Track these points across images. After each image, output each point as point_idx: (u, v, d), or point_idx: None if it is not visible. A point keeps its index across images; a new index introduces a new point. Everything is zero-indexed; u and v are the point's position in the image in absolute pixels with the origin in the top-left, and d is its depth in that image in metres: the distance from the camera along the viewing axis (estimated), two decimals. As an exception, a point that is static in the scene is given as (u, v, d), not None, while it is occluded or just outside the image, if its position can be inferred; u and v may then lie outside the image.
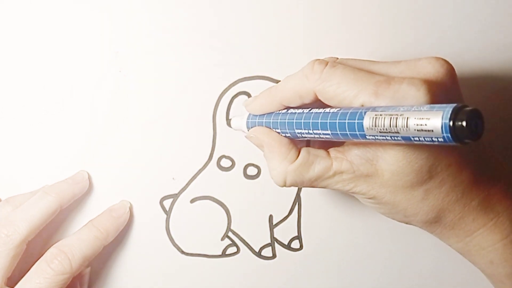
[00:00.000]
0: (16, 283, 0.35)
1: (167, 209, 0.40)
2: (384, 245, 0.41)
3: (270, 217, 0.41)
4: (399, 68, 0.30)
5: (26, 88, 0.39)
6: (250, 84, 0.39)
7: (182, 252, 0.41)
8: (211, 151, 0.40)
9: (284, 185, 0.32)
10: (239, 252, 0.41)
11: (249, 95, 0.39)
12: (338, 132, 0.28)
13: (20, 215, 0.36)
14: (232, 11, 0.39)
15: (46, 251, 0.37)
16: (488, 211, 0.31)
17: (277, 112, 0.34)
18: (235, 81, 0.39)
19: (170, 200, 0.40)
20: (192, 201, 0.40)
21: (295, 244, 0.41)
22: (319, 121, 0.29)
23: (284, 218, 0.41)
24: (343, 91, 0.29)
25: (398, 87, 0.27)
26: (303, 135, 0.31)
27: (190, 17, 0.39)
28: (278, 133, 0.33)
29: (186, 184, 0.40)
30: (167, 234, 0.40)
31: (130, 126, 0.39)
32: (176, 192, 0.40)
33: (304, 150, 0.31)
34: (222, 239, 0.41)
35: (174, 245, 0.40)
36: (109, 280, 0.41)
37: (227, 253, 0.41)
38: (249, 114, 0.36)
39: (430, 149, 0.28)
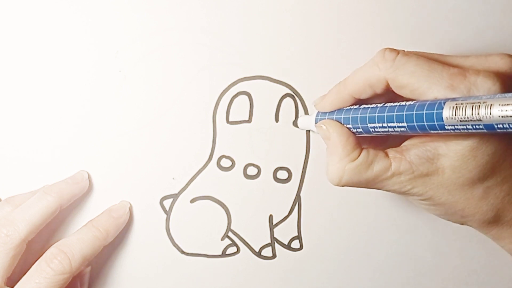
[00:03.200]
0: (16, 283, 0.35)
1: (167, 209, 0.40)
2: (384, 245, 0.41)
3: (270, 217, 0.41)
4: (470, 61, 0.30)
5: (26, 88, 0.39)
6: (250, 84, 0.39)
7: (182, 252, 0.41)
8: (211, 151, 0.40)
9: (339, 184, 0.32)
10: (239, 252, 0.41)
11: (249, 95, 0.39)
12: (415, 124, 0.28)
13: (20, 215, 0.36)
14: (233, 11, 0.39)
15: (46, 251, 0.37)
16: None
17: (348, 108, 0.33)
18: (235, 81, 0.39)
19: (170, 200, 0.40)
20: (192, 201, 0.40)
21: (295, 244, 0.41)
22: (395, 113, 0.29)
23: (284, 218, 0.41)
24: (417, 81, 0.29)
25: (474, 80, 0.27)
26: (376, 129, 0.31)
27: (190, 17, 0.39)
28: (349, 129, 0.33)
29: (186, 184, 0.40)
30: (167, 234, 0.40)
31: (130, 126, 0.39)
32: (176, 192, 0.40)
33: (364, 151, 0.31)
34: (222, 239, 0.41)
35: (174, 245, 0.40)
36: (109, 280, 0.41)
37: (227, 253, 0.41)
38: (318, 112, 0.37)
39: (497, 145, 0.28)
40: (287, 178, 0.40)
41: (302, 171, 0.40)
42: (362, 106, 0.32)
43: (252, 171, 0.40)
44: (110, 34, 0.39)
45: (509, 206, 0.30)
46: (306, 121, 0.38)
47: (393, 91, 0.31)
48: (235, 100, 0.40)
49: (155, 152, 0.40)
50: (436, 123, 0.27)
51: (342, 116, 0.34)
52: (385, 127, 0.30)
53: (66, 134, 0.39)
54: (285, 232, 0.41)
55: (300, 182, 0.40)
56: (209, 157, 0.40)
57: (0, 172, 0.40)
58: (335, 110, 0.35)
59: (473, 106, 0.25)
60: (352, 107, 0.33)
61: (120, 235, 0.40)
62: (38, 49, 0.39)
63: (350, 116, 0.33)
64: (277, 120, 0.40)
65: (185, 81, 0.39)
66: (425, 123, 0.27)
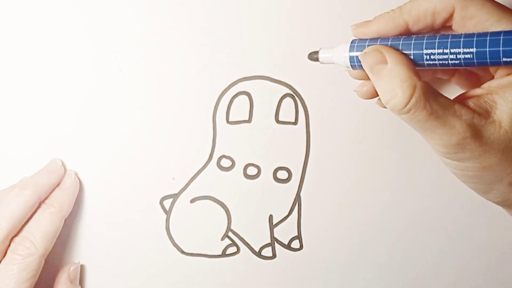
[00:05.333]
0: None
1: (167, 209, 0.40)
2: (383, 244, 0.41)
3: (270, 217, 0.41)
4: None
5: (26, 88, 0.39)
6: (250, 84, 0.39)
7: (182, 252, 0.41)
8: (211, 151, 0.40)
9: (407, 103, 0.28)
10: (239, 252, 0.41)
11: (249, 95, 0.39)
12: (487, 49, 0.27)
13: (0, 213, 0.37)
14: (233, 11, 0.39)
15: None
16: None
17: (396, 37, 0.31)
18: (235, 81, 0.39)
19: (170, 200, 0.40)
20: (192, 201, 0.40)
21: (295, 244, 0.41)
22: (462, 39, 0.27)
23: (284, 218, 0.41)
24: (486, 13, 0.28)
25: None
26: (431, 57, 0.29)
27: (190, 17, 0.39)
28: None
29: (186, 184, 0.40)
30: (167, 234, 0.40)
31: (130, 126, 0.39)
32: (176, 192, 0.40)
33: (425, 82, 0.29)
34: (222, 239, 0.41)
35: (174, 245, 0.40)
36: (109, 280, 0.41)
37: (227, 253, 0.41)
38: (353, 42, 0.32)
39: None
40: (287, 178, 0.40)
41: (302, 171, 0.40)
42: (414, 36, 0.30)
43: (252, 171, 0.40)
44: (110, 34, 0.39)
45: None
46: (332, 53, 0.33)
47: (445, 29, 0.29)
48: (235, 100, 0.40)
49: (155, 152, 0.40)
50: None
51: (390, 41, 0.30)
52: (446, 54, 0.28)
53: (66, 134, 0.39)
54: (285, 232, 0.41)
55: (300, 182, 0.40)
56: (209, 157, 0.40)
57: (0, 172, 0.40)
58: (377, 38, 0.31)
59: None
60: (400, 37, 0.30)
61: (120, 235, 0.40)
62: (38, 49, 0.39)
63: (401, 42, 0.30)
64: (277, 120, 0.40)
65: (185, 81, 0.39)
66: (501, 48, 0.26)
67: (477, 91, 0.30)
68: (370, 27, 0.32)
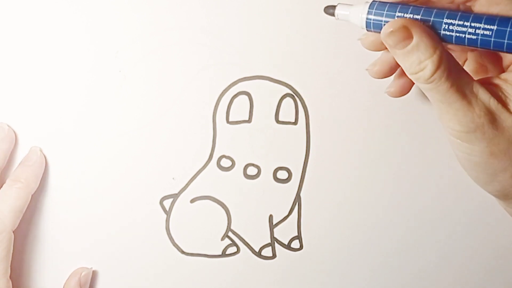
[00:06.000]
0: None
1: (167, 209, 0.40)
2: (383, 245, 0.41)
3: (270, 217, 0.41)
4: None
5: (26, 88, 0.39)
6: (250, 84, 0.39)
7: (182, 252, 0.41)
8: (211, 151, 0.40)
9: (435, 73, 0.29)
10: (239, 252, 0.41)
11: (249, 95, 0.39)
12: (508, 29, 0.26)
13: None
14: (233, 11, 0.39)
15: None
16: None
17: (416, 5, 0.30)
18: (235, 81, 0.39)
19: (170, 200, 0.40)
20: (192, 201, 0.40)
21: (295, 244, 0.41)
22: (485, 16, 0.27)
23: (284, 218, 0.41)
24: None
25: None
26: (451, 27, 0.28)
27: (190, 17, 0.39)
28: None
29: (186, 184, 0.40)
30: (167, 234, 0.40)
31: (130, 126, 0.39)
32: (176, 192, 0.40)
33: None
34: (222, 239, 0.41)
35: (174, 245, 0.40)
36: (109, 280, 0.41)
37: (227, 253, 0.41)
38: (372, 2, 0.31)
39: None
40: (287, 178, 0.40)
41: (302, 171, 0.40)
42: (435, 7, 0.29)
43: (252, 171, 0.40)
44: (110, 34, 0.39)
45: None
46: (349, 11, 0.32)
47: (470, 11, 0.29)
48: (235, 100, 0.40)
49: (155, 152, 0.40)
50: None
51: (411, 7, 0.29)
52: (465, 27, 0.27)
53: (66, 134, 0.39)
54: (285, 232, 0.41)
55: (300, 182, 0.40)
56: (209, 157, 0.40)
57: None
58: (397, 4, 0.30)
59: None
60: (421, 5, 0.30)
61: (120, 235, 0.40)
62: (38, 49, 0.39)
63: (423, 8, 0.29)
64: (277, 120, 0.40)
65: (185, 81, 0.39)
66: None
67: (495, 80, 0.30)
68: None
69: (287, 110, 0.40)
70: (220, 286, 0.41)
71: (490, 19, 0.27)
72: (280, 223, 0.41)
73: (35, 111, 0.39)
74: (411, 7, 0.29)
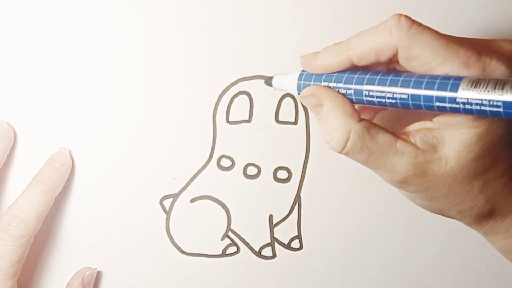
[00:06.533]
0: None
1: (167, 209, 0.40)
2: (384, 245, 0.41)
3: (270, 216, 0.41)
4: (475, 44, 0.28)
5: (26, 88, 0.39)
6: (250, 84, 0.39)
7: (182, 252, 0.41)
8: (211, 151, 0.40)
9: (343, 149, 0.29)
10: (239, 252, 0.41)
11: (249, 95, 0.39)
12: (422, 93, 0.26)
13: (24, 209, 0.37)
14: (233, 11, 0.39)
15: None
16: None
17: (341, 71, 0.31)
18: (235, 81, 0.39)
19: (170, 200, 0.40)
20: (192, 201, 0.40)
21: (295, 244, 0.41)
22: (401, 78, 0.27)
23: (284, 218, 0.41)
24: (431, 54, 0.27)
25: (489, 61, 0.26)
26: (371, 93, 0.28)
27: (190, 17, 0.39)
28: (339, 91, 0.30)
29: (186, 184, 0.40)
30: (167, 234, 0.40)
31: (130, 126, 0.39)
32: (176, 192, 0.40)
33: (365, 121, 0.29)
34: (222, 239, 0.41)
35: (174, 245, 0.40)
36: (109, 279, 0.41)
37: (227, 253, 0.41)
38: (301, 73, 0.33)
39: (502, 135, 0.28)
40: (287, 178, 0.40)
41: (302, 171, 0.40)
42: (358, 71, 0.30)
43: (252, 171, 0.40)
44: (110, 34, 0.39)
45: (504, 198, 0.30)
46: (284, 82, 0.33)
47: (396, 63, 0.29)
48: (235, 100, 0.40)
49: (155, 152, 0.40)
50: (448, 94, 0.25)
51: (335, 74, 0.30)
52: (383, 92, 0.28)
53: (66, 134, 0.39)
54: (285, 232, 0.41)
55: (300, 182, 0.40)
56: (209, 157, 0.40)
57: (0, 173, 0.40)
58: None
59: (497, 82, 0.24)
60: (345, 71, 0.30)
61: (120, 235, 0.40)
62: (38, 49, 0.39)
63: (345, 75, 0.30)
64: (277, 120, 0.40)
65: (185, 81, 0.39)
66: (434, 93, 0.26)
67: (427, 124, 0.29)
68: (316, 61, 0.31)
69: (287, 110, 0.40)
70: (220, 286, 0.41)
71: (406, 81, 0.27)
72: (280, 223, 0.41)
73: (34, 110, 0.39)
74: (335, 75, 0.30)
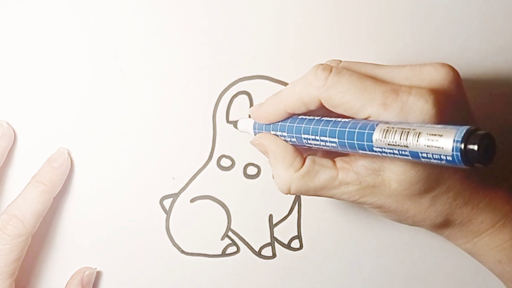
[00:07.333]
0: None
1: (167, 209, 0.40)
2: (384, 244, 0.41)
3: (270, 216, 0.41)
4: (404, 73, 0.29)
5: (26, 88, 0.39)
6: (250, 84, 0.39)
7: (182, 251, 0.41)
8: (211, 150, 0.40)
9: (289, 193, 0.31)
10: (239, 252, 0.41)
11: (249, 95, 0.39)
12: (346, 142, 0.28)
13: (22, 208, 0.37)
14: (233, 11, 0.39)
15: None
16: (496, 212, 0.32)
17: (283, 120, 0.33)
18: (235, 81, 0.39)
19: (170, 199, 0.40)
20: (192, 200, 0.40)
21: (295, 243, 0.41)
22: (328, 128, 0.29)
23: (284, 217, 0.41)
24: (350, 100, 0.28)
25: (406, 98, 0.27)
26: (309, 141, 0.31)
27: (190, 17, 0.39)
28: (285, 139, 0.32)
29: (186, 184, 0.40)
30: (167, 234, 0.40)
31: (130, 126, 0.39)
32: (176, 191, 0.40)
33: (309, 159, 0.31)
34: (222, 238, 0.41)
35: (174, 245, 0.41)
36: (108, 279, 0.41)
37: (227, 252, 0.41)
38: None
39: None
40: (287, 178, 0.40)
41: (302, 171, 0.40)
42: (299, 117, 0.32)
43: (252, 170, 0.40)
44: (110, 34, 0.39)
45: (457, 210, 0.31)
46: (245, 125, 0.36)
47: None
48: (235, 99, 0.40)
49: (155, 152, 0.40)
50: (365, 143, 0.27)
51: (279, 124, 0.33)
52: (317, 140, 0.30)
53: (65, 134, 0.39)
54: (285, 232, 0.41)
55: (300, 182, 0.40)
56: (209, 156, 0.40)
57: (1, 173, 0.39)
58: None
59: (402, 131, 0.25)
60: (287, 119, 0.33)
61: (120, 235, 0.40)
62: (38, 49, 0.39)
63: (287, 124, 0.32)
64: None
65: (185, 81, 0.39)
66: (355, 142, 0.27)
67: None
68: (260, 113, 0.33)
69: (287, 110, 0.40)
70: (220, 286, 0.41)
71: (332, 131, 0.29)
72: (280, 222, 0.41)
73: (34, 110, 0.39)
74: (279, 124, 0.33)
